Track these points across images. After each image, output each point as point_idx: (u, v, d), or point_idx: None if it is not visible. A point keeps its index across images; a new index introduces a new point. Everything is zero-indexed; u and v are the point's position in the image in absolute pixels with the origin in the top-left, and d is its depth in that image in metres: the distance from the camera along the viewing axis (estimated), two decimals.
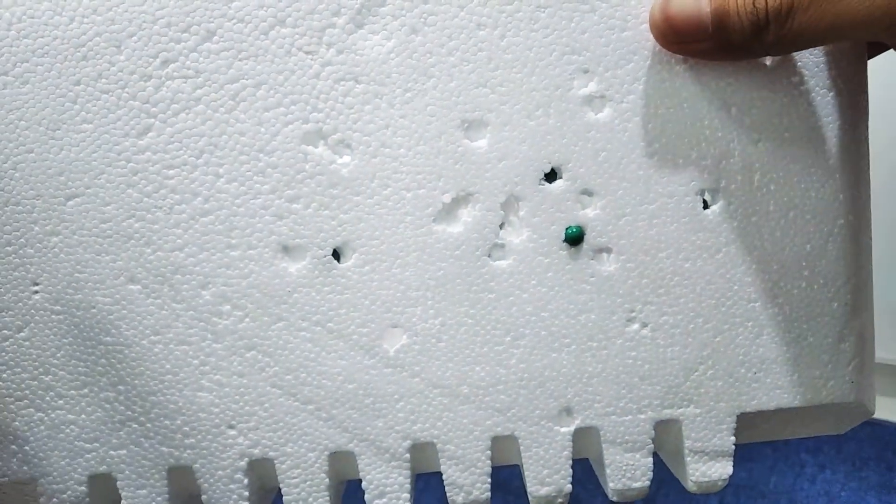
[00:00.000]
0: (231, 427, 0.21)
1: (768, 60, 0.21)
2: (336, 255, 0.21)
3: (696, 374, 0.21)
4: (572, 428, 0.23)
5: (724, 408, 0.21)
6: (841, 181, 0.20)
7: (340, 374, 0.21)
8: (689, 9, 0.19)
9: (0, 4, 0.21)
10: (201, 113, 0.20)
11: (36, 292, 0.21)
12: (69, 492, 0.22)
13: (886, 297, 0.33)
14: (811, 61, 0.21)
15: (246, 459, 0.21)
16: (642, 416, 0.21)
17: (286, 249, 0.21)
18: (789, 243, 0.21)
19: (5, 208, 0.21)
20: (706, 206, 0.21)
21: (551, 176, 0.21)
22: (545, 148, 0.20)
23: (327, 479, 0.21)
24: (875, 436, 0.23)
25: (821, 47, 0.21)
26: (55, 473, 0.22)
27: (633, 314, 0.21)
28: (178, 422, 0.21)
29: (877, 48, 0.21)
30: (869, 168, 0.22)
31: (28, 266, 0.21)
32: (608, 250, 0.20)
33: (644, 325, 0.21)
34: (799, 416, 0.22)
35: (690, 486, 0.22)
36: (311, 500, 0.22)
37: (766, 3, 0.18)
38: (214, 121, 0.20)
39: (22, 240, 0.21)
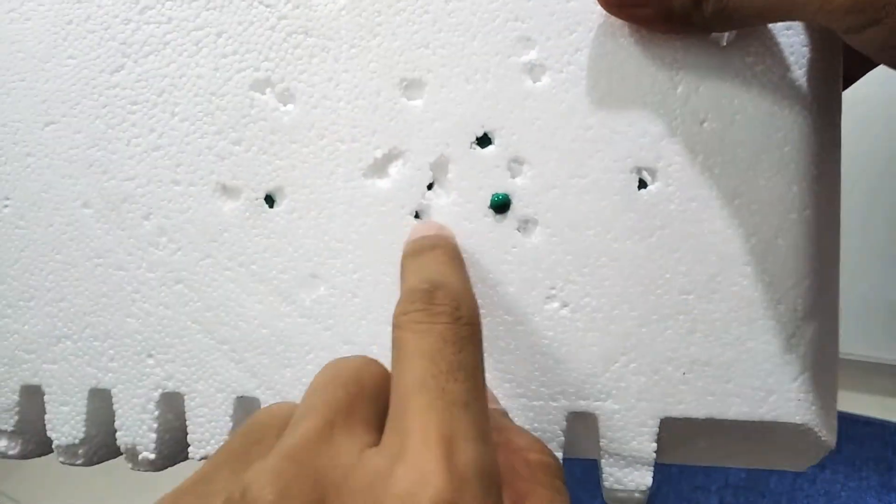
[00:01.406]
0: (150, 356, 0.24)
1: (724, 40, 0.21)
2: (270, 200, 0.23)
3: (617, 365, 0.21)
4: None
5: (646, 408, 0.21)
6: (796, 172, 0.20)
7: (257, 317, 0.23)
8: None
9: None
10: (167, 56, 0.24)
11: (6, 206, 0.25)
12: (3, 398, 0.24)
13: (887, 297, 0.31)
14: (773, 41, 0.21)
15: (159, 391, 0.24)
16: (554, 404, 0.22)
17: (224, 189, 0.23)
18: (732, 234, 0.21)
19: None
20: (642, 185, 0.21)
21: (484, 141, 0.22)
22: (480, 112, 0.22)
23: (231, 423, 0.23)
24: (875, 436, 0.23)
25: (787, 26, 0.23)
26: None
27: (554, 292, 0.21)
28: (106, 344, 0.24)
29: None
30: (838, 161, 0.21)
31: (3, 182, 0.25)
32: (534, 222, 0.22)
33: (564, 305, 0.21)
34: (744, 440, 0.22)
35: (605, 493, 0.21)
36: (213, 441, 0.23)
37: None
38: (178, 64, 0.24)
39: (2, 158, 0.25)
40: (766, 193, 0.23)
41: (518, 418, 0.24)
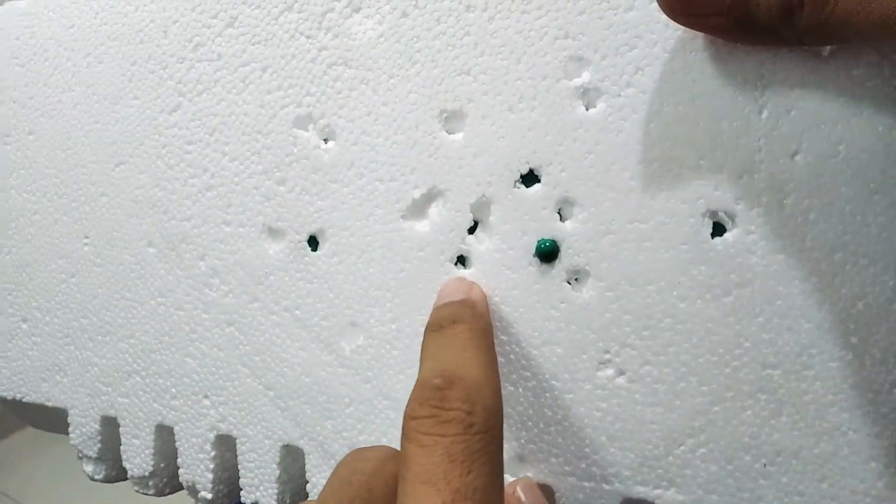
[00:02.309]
0: (206, 397, 0.25)
1: (825, 50, 0.18)
2: (314, 242, 0.23)
3: (683, 448, 0.19)
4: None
5: (717, 502, 0.18)
6: None
7: (300, 365, 0.23)
8: None
9: None
10: (217, 94, 0.24)
11: (86, 244, 0.27)
12: (87, 427, 0.27)
13: None
14: (889, 47, 0.17)
15: (214, 432, 0.25)
16: (607, 488, 0.20)
17: (270, 231, 0.24)
18: (832, 296, 0.18)
19: (75, 169, 0.27)
20: (717, 232, 0.18)
21: (529, 179, 0.20)
22: (525, 146, 0.20)
23: (278, 471, 0.24)
24: None
25: None
26: (80, 407, 0.27)
27: (608, 356, 0.19)
28: (168, 382, 0.25)
29: None
30: None
31: (83, 221, 0.27)
32: (585, 273, 0.20)
33: (620, 373, 0.19)
34: None
35: None
36: (261, 488, 0.24)
37: None
38: (227, 101, 0.24)
39: (82, 198, 0.27)
40: (880, 245, 0.19)
41: (565, 500, 0.22)
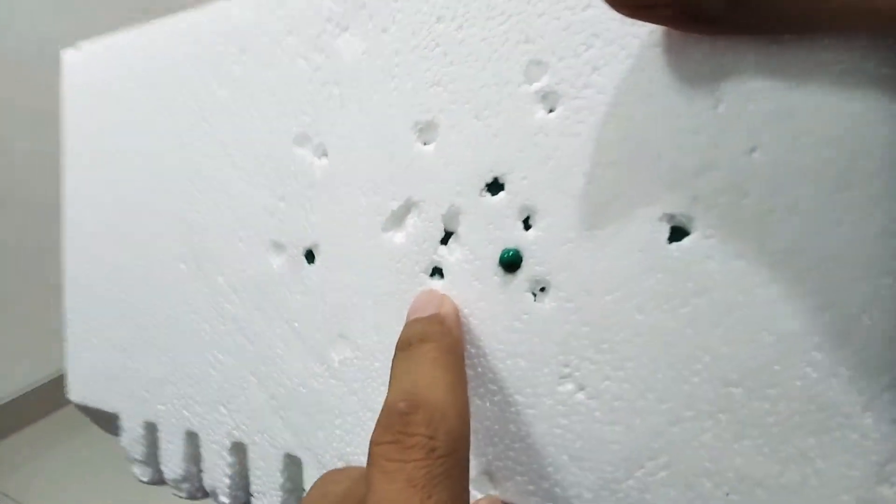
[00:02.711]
0: (223, 405, 0.27)
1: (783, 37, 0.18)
2: (311, 256, 0.25)
3: (643, 471, 0.18)
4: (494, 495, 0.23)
5: None
6: (890, 217, 0.16)
7: (297, 375, 0.25)
8: None
9: None
10: (232, 117, 0.27)
11: (137, 263, 0.29)
12: (133, 431, 0.30)
13: None
14: (852, 37, 0.17)
15: (230, 439, 0.26)
16: None
17: (274, 245, 0.25)
18: (796, 307, 0.17)
19: (128, 194, 0.30)
20: (675, 237, 0.18)
21: (495, 187, 0.20)
22: (489, 154, 0.21)
23: (282, 479, 0.25)
24: None
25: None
26: (128, 413, 0.30)
27: (568, 370, 0.19)
28: (194, 390, 0.28)
29: None
30: None
31: (132, 241, 0.30)
32: (547, 283, 0.20)
33: (580, 388, 0.19)
34: None
35: None
36: (268, 495, 0.26)
37: None
38: (240, 124, 0.27)
39: (132, 219, 0.30)
40: (847, 250, 0.17)
41: None
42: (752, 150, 0.19)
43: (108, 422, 0.37)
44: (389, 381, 0.21)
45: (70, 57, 0.38)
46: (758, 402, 0.19)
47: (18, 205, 1.43)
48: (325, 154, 0.27)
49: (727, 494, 0.19)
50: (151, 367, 0.34)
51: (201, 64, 0.31)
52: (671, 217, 0.20)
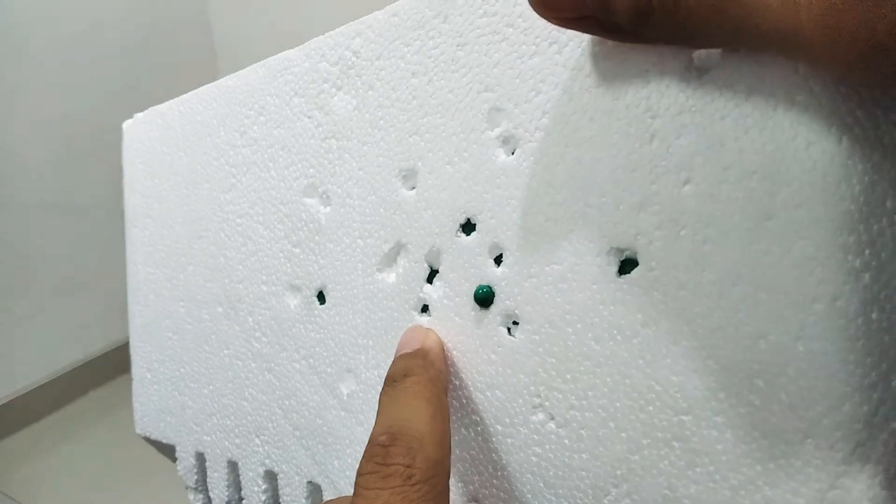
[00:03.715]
0: (257, 436, 0.29)
1: (702, 65, 0.18)
2: (322, 297, 0.26)
3: (609, 498, 0.19)
4: None
5: None
6: (818, 242, 0.16)
7: (315, 408, 0.27)
8: None
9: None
10: (255, 173, 0.29)
11: (181, 307, 0.32)
12: (186, 461, 0.32)
13: None
14: (774, 59, 0.17)
15: (263, 468, 0.28)
16: None
17: (291, 288, 0.27)
18: (733, 333, 0.17)
19: (174, 244, 0.33)
20: (624, 270, 0.19)
21: (468, 227, 0.22)
22: (461, 196, 0.22)
23: None
24: None
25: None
26: (182, 444, 0.33)
27: (539, 400, 0.21)
28: (232, 422, 0.30)
29: None
30: (889, 222, 0.17)
31: (179, 287, 0.33)
32: (516, 317, 0.21)
33: (551, 418, 0.20)
34: None
35: None
36: None
37: None
38: (261, 179, 0.29)
39: (178, 267, 0.33)
40: (778, 277, 0.17)
41: None
42: (686, 182, 0.19)
43: (170, 452, 0.40)
44: (377, 415, 0.23)
45: (128, 126, 0.42)
46: (707, 430, 0.18)
47: (18, 206, 1.43)
48: (329, 203, 0.29)
49: None
50: (198, 402, 0.37)
51: (229, 126, 0.34)
52: (619, 251, 0.20)
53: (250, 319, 0.33)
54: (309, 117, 0.30)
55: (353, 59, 0.28)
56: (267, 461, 0.32)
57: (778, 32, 0.15)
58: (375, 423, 0.22)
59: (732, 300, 0.18)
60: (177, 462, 0.38)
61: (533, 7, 0.20)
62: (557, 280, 0.22)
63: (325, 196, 0.29)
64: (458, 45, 0.24)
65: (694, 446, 0.19)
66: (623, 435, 0.20)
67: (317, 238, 0.30)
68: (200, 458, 0.37)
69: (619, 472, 0.20)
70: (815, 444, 0.17)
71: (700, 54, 0.18)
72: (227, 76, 0.35)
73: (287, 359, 0.31)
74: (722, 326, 0.18)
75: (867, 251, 0.16)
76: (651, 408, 0.20)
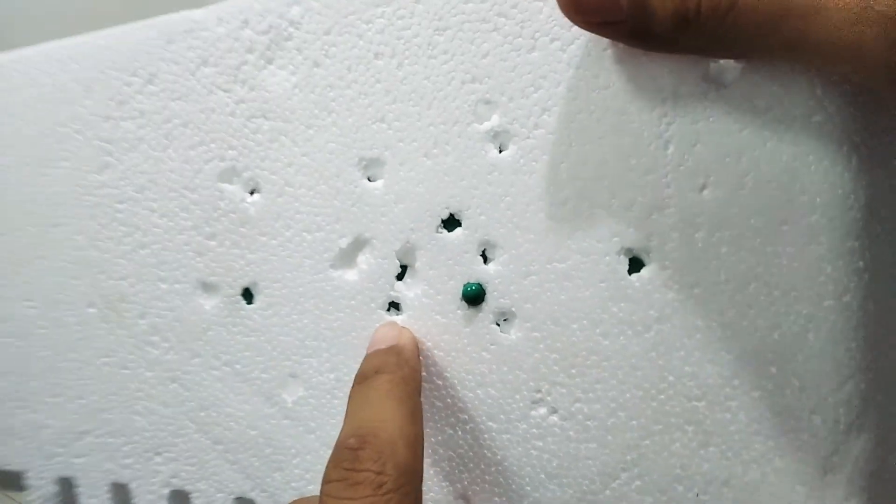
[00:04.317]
0: (157, 454, 0.24)
1: (726, 79, 0.17)
2: (248, 295, 0.22)
3: (618, 482, 0.19)
4: None
5: None
6: (829, 246, 0.16)
7: (245, 418, 0.23)
8: None
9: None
10: (144, 151, 0.24)
11: (31, 308, 0.26)
12: (44, 489, 0.26)
13: None
14: (792, 75, 0.17)
15: (168, 488, 0.24)
16: None
17: (204, 286, 0.23)
18: (748, 327, 0.18)
19: (14, 233, 0.26)
20: (634, 269, 0.18)
21: (451, 223, 0.20)
22: (443, 191, 0.20)
23: None
24: None
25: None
26: (35, 469, 0.27)
27: (540, 396, 0.19)
28: (119, 441, 0.25)
29: None
30: (883, 228, 0.19)
31: (25, 285, 0.26)
32: (512, 315, 0.19)
33: (553, 411, 0.19)
34: None
35: None
36: None
37: None
38: (153, 159, 0.24)
39: (23, 260, 0.26)
40: (791, 276, 0.18)
41: None
42: (703, 188, 0.20)
43: (10, 481, 0.33)
44: (345, 415, 0.21)
45: None
46: (720, 413, 0.20)
47: None
48: (256, 190, 0.26)
49: (697, 495, 0.21)
50: (60, 420, 0.31)
51: (99, 94, 0.28)
52: (629, 251, 0.21)
53: (142, 322, 0.28)
54: (225, 91, 0.26)
55: (291, 30, 0.25)
56: (174, 480, 0.28)
57: (840, 52, 0.16)
58: (344, 424, 0.20)
59: (747, 297, 0.20)
60: (25, 491, 0.32)
61: (562, 9, 0.19)
62: (561, 278, 0.22)
63: (252, 183, 0.26)
64: (435, 30, 0.23)
65: (707, 428, 0.20)
66: (633, 423, 0.21)
67: (242, 230, 0.26)
68: (66, 483, 0.31)
69: (629, 458, 0.21)
70: (821, 419, 0.19)
71: (718, 66, 0.19)
72: (93, 32, 0.29)
73: (201, 366, 0.27)
74: (737, 320, 0.20)
75: (867, 253, 0.19)
76: (663, 396, 0.21)
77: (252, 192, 0.25)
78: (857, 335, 0.19)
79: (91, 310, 0.29)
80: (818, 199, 0.19)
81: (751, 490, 0.20)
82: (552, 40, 0.21)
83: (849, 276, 0.19)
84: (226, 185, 0.26)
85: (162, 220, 0.27)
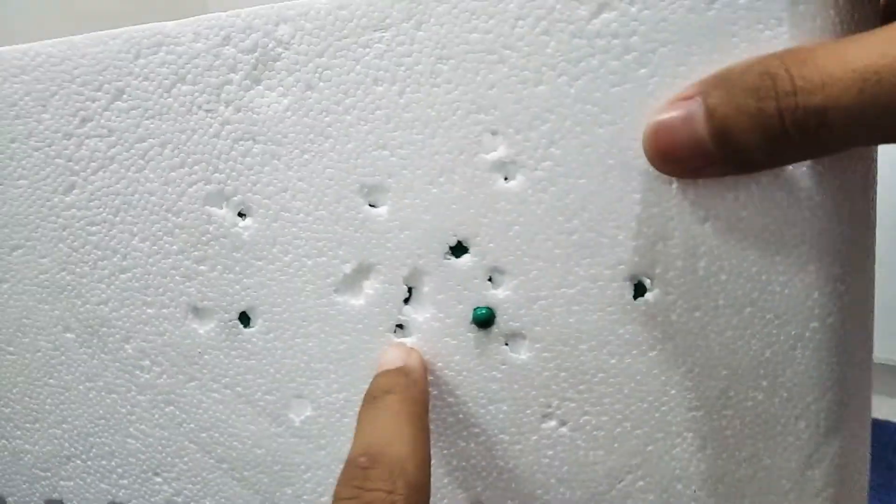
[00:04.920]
0: (157, 474, 0.24)
1: None
2: (246, 319, 0.22)
3: (623, 483, 0.20)
4: None
5: None
6: (816, 274, 0.18)
7: (250, 438, 0.23)
8: (680, 136, 0.18)
9: None
10: (116, 171, 0.22)
11: None
12: None
13: (886, 297, 0.30)
14: None
15: None
16: None
17: (196, 311, 0.22)
18: (743, 346, 0.19)
19: None
20: (639, 294, 0.19)
21: (459, 250, 0.20)
22: (450, 218, 0.20)
23: None
24: (875, 436, 0.24)
25: None
26: (19, 494, 0.26)
27: (550, 410, 0.20)
28: (113, 463, 0.24)
29: None
30: (871, 247, 0.21)
31: None
32: (521, 336, 0.20)
33: (562, 423, 0.20)
34: None
35: None
36: None
37: (779, 105, 0.16)
38: (128, 180, 0.22)
39: None
40: (783, 301, 0.20)
41: None
42: (705, 220, 0.21)
43: None
44: (354, 434, 0.21)
45: None
46: (717, 420, 0.22)
47: None
48: (247, 214, 0.25)
49: (695, 491, 0.23)
50: (43, 445, 0.29)
51: (58, 108, 0.25)
52: (634, 277, 0.22)
53: (128, 347, 0.27)
54: (207, 111, 0.24)
55: (280, 49, 0.23)
56: (177, 499, 0.28)
57: None
58: (354, 443, 0.21)
59: (743, 320, 0.21)
60: None
61: (653, 164, 0.20)
62: (569, 303, 0.23)
63: (242, 207, 0.25)
64: (438, 58, 0.22)
65: (704, 434, 0.22)
66: (638, 432, 0.23)
67: (236, 255, 0.25)
68: None
69: (633, 462, 0.23)
70: (805, 424, 0.22)
71: None
72: (44, 41, 0.26)
73: (199, 389, 0.27)
74: (733, 341, 0.22)
75: (848, 278, 0.21)
76: (665, 408, 0.23)
77: (242, 216, 0.25)
78: (838, 351, 0.21)
79: (68, 335, 0.28)
80: (806, 233, 0.20)
81: (742, 485, 0.22)
82: (559, 75, 0.21)
83: (833, 300, 0.21)
84: (214, 209, 0.25)
85: (143, 243, 0.26)
